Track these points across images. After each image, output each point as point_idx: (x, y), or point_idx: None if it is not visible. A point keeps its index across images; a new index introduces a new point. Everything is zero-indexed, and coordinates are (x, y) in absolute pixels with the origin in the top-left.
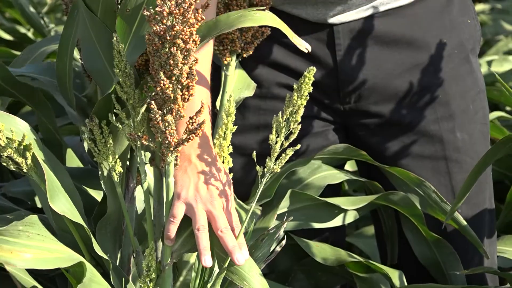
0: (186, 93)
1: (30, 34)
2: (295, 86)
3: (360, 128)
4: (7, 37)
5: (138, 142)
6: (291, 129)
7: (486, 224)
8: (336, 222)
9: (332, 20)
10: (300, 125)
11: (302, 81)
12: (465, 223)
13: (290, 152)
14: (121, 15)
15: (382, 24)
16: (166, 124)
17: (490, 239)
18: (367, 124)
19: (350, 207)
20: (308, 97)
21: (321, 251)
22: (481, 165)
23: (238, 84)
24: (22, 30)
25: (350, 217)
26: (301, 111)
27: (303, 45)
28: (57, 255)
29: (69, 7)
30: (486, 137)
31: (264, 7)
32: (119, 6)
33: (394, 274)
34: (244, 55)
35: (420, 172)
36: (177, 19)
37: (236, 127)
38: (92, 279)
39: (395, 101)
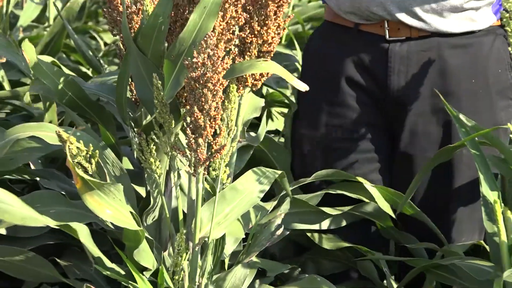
0: (214, 122)
1: (89, 72)
2: None
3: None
4: (72, 74)
5: (173, 153)
6: None
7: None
8: (323, 226)
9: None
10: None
11: None
12: (418, 210)
13: None
14: (168, 59)
15: (438, 55)
16: (198, 145)
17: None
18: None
19: (334, 213)
20: None
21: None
22: (427, 165)
23: (249, 110)
24: (84, 69)
25: (337, 224)
26: None
27: (301, 86)
28: (128, 220)
29: (122, 51)
30: None
31: (267, 59)
32: (165, 51)
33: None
34: (254, 89)
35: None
36: (208, 68)
37: None
38: (144, 250)
39: (424, 119)
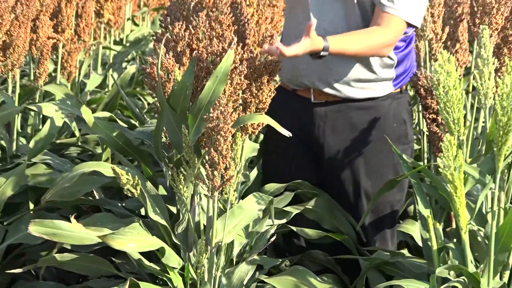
0: (225, 159)
1: (137, 124)
2: None
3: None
4: (125, 125)
5: (196, 182)
6: None
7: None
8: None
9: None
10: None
11: None
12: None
13: None
14: (191, 114)
15: (347, 115)
16: (213, 176)
17: (392, 235)
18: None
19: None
20: None
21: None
22: (378, 193)
23: (249, 151)
24: (132, 121)
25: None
26: None
27: (286, 133)
28: (148, 243)
29: (159, 108)
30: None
31: (262, 112)
32: (189, 108)
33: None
34: (253, 135)
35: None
36: (221, 121)
37: None
38: (170, 255)
39: (337, 159)
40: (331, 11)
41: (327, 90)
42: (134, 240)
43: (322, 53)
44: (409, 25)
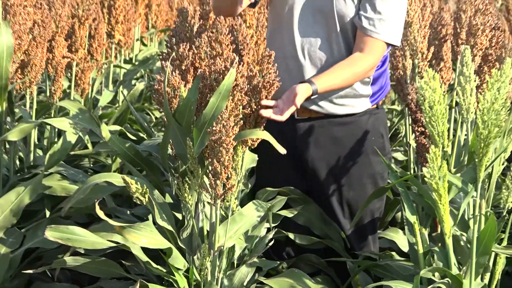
0: (227, 170)
1: (145, 137)
2: None
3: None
4: (134, 138)
5: (200, 190)
6: None
7: (369, 235)
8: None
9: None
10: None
11: None
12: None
13: None
14: (196, 127)
15: (329, 130)
16: (216, 185)
17: (373, 240)
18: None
19: (287, 214)
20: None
21: (302, 237)
22: (367, 201)
23: (248, 161)
24: (141, 134)
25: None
26: None
27: (282, 150)
28: (159, 242)
29: (165, 122)
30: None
31: (262, 127)
32: (194, 122)
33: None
34: (252, 147)
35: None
36: (223, 134)
37: None
38: (176, 256)
39: (319, 169)
40: (314, 34)
41: (311, 106)
42: (147, 237)
43: (312, 97)
44: (390, 45)
